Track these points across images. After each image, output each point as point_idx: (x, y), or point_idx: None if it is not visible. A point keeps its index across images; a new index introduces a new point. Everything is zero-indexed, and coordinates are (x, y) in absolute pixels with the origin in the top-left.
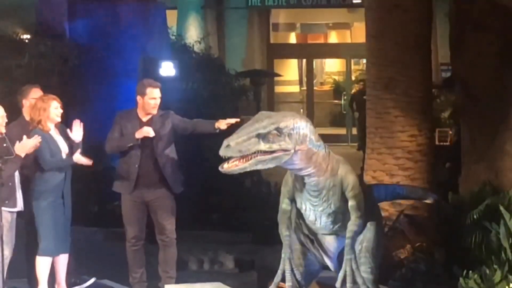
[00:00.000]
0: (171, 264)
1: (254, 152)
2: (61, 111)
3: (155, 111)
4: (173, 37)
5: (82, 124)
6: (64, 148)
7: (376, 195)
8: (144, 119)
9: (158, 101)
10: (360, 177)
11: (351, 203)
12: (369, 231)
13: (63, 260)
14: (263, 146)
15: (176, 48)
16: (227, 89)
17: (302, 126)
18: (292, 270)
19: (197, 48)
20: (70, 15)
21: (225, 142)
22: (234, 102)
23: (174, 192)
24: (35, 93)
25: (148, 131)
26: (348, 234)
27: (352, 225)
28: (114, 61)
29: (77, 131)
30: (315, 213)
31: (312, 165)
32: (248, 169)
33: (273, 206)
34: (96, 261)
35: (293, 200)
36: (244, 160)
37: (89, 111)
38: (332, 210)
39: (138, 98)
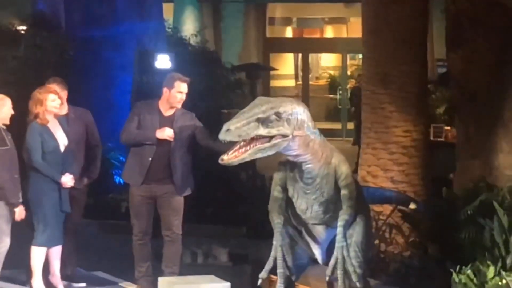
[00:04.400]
0: (175, 259)
1: (253, 139)
2: (59, 102)
3: (179, 106)
4: (169, 30)
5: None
6: (63, 141)
7: None
8: (166, 113)
9: (184, 96)
10: (355, 172)
11: (343, 192)
12: (358, 225)
13: (56, 251)
14: (262, 130)
15: (172, 41)
16: (222, 83)
17: (300, 112)
18: (283, 257)
19: (193, 41)
20: (67, 7)
21: (224, 127)
22: (230, 95)
23: (179, 195)
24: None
25: (169, 134)
26: (340, 222)
27: (344, 214)
28: (110, 53)
29: (67, 179)
30: (307, 201)
31: (309, 152)
32: (248, 159)
33: (267, 200)
34: (90, 254)
35: (285, 188)
36: (244, 150)
37: (84, 103)
38: (325, 198)
39: (165, 90)
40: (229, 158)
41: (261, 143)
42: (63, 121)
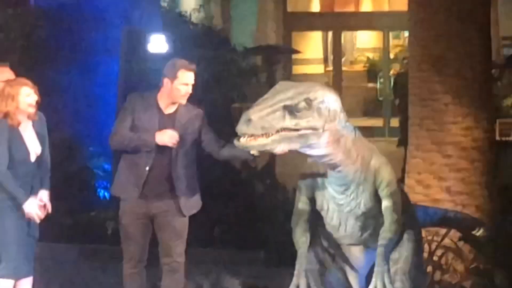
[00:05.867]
0: None
1: (278, 131)
2: (36, 98)
3: (184, 101)
4: (165, 4)
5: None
6: (35, 148)
7: None
8: (167, 110)
9: (190, 88)
10: (401, 180)
11: (386, 203)
12: (405, 248)
13: (26, 284)
14: (289, 122)
15: (168, 18)
16: (232, 70)
17: (332, 100)
18: (309, 285)
19: (195, 18)
20: None
21: (244, 116)
22: (242, 85)
23: (184, 214)
24: (1, 74)
25: (171, 139)
26: (381, 241)
27: (386, 231)
28: (91, 34)
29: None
30: (340, 215)
31: (341, 151)
32: (269, 147)
33: (290, 218)
34: (69, 285)
35: (312, 199)
36: (266, 135)
37: (59, 97)
38: (362, 211)
39: (166, 81)
40: (247, 141)
41: (287, 131)
42: (37, 123)
